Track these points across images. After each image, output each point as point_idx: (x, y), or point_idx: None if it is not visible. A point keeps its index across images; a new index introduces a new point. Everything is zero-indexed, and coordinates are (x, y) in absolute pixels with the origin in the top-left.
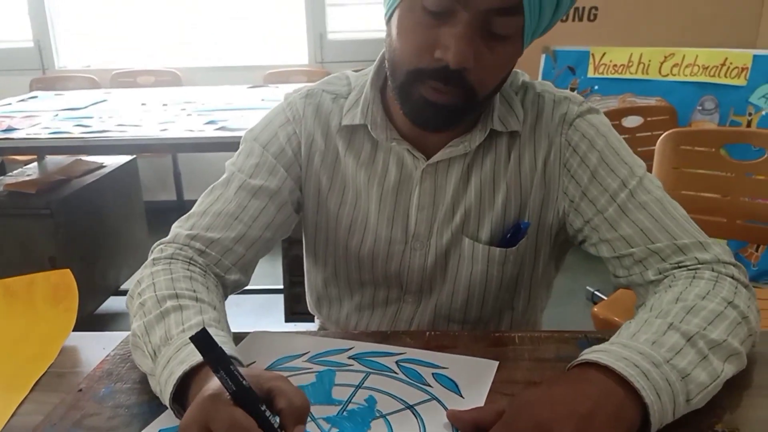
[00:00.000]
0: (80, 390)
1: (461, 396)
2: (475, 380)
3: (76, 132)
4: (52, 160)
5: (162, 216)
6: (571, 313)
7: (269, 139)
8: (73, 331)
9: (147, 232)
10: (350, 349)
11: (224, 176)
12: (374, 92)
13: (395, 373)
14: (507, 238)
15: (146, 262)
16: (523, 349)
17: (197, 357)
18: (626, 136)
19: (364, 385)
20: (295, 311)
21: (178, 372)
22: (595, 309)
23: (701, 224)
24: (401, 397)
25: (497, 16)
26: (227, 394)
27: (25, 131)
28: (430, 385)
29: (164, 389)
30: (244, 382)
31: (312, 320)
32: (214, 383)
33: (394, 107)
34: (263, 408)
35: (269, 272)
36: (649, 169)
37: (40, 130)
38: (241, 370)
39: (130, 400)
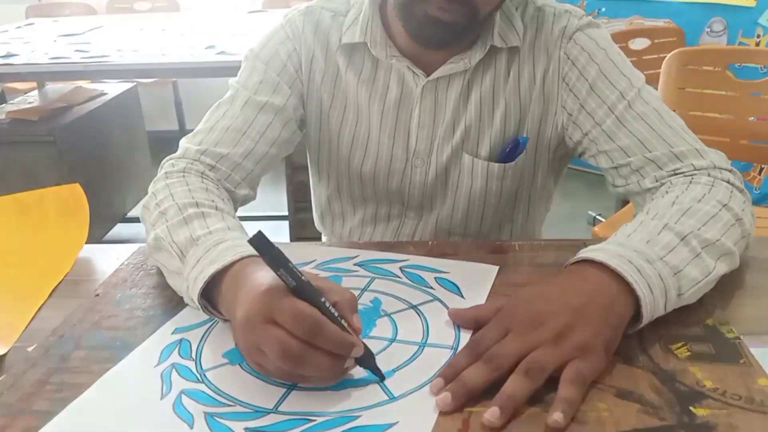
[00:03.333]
0: (97, 295)
1: (462, 297)
2: (475, 283)
3: (76, 57)
4: (52, 87)
5: (165, 145)
6: (573, 236)
7: (270, 57)
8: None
9: (150, 161)
10: (356, 256)
11: (228, 93)
12: (373, 9)
13: (399, 277)
14: (506, 153)
15: (158, 176)
16: (523, 255)
17: (227, 258)
18: (633, 58)
19: (369, 288)
20: (300, 236)
21: (210, 270)
22: (595, 229)
23: (705, 143)
24: (405, 299)
25: None
26: (285, 287)
27: (25, 56)
28: (432, 288)
29: (192, 285)
30: (303, 278)
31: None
32: (264, 279)
33: (394, 24)
34: (323, 299)
35: (274, 199)
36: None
37: (41, 55)
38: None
39: (146, 304)
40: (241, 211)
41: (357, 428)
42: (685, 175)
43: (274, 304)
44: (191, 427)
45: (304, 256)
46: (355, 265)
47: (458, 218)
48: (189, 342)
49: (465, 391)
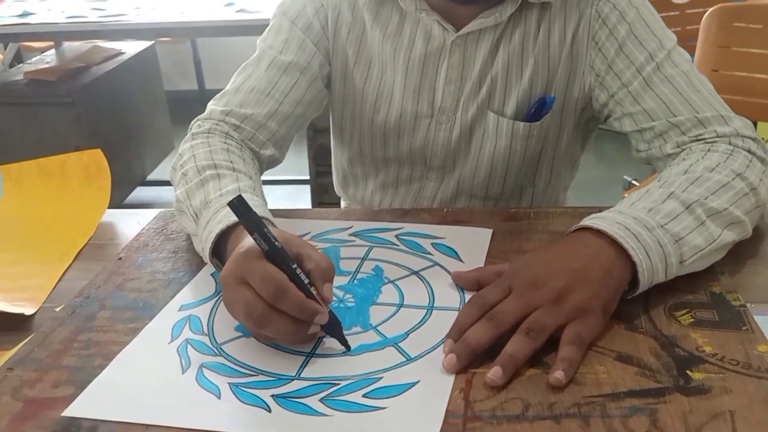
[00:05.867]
0: (120, 258)
1: (461, 261)
2: (472, 246)
3: (93, 16)
4: (69, 46)
5: (184, 105)
6: (607, 202)
7: (297, 14)
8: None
9: (170, 122)
10: (350, 227)
11: (255, 54)
12: None
13: (396, 245)
14: (531, 113)
15: (186, 137)
16: (538, 223)
17: (233, 218)
18: (675, 12)
19: (369, 257)
20: (322, 201)
21: (216, 230)
22: (626, 195)
23: (746, 105)
24: (405, 265)
25: None
26: (260, 251)
27: (41, 15)
28: (430, 253)
29: (205, 246)
30: (276, 243)
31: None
32: (248, 241)
33: None
34: (294, 266)
35: (296, 163)
36: (694, 49)
37: (57, 14)
38: (273, 232)
39: (166, 267)
40: (263, 176)
41: (381, 389)
42: (705, 142)
43: (247, 265)
44: (219, 398)
45: (297, 230)
46: (350, 235)
47: (480, 179)
48: (198, 318)
49: (469, 351)
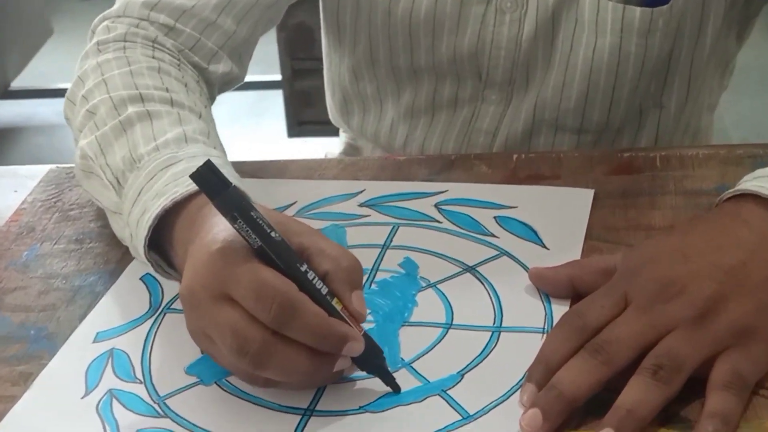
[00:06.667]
0: None
1: (545, 247)
2: (561, 222)
3: None
4: None
5: None
6: None
7: None
8: None
9: None
10: (361, 192)
11: None
12: None
13: (437, 221)
14: None
15: (87, 49)
16: (668, 175)
17: (182, 187)
18: None
19: (393, 243)
20: (303, 119)
21: (156, 209)
22: None
23: None
24: (454, 257)
25: None
26: (247, 247)
27: None
28: (494, 235)
29: (135, 232)
30: (273, 234)
31: (332, 133)
32: (222, 230)
33: None
34: (304, 268)
35: (258, 54)
36: None
37: None
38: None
39: (68, 267)
40: None
41: None
42: None
43: (228, 272)
44: None
45: (280, 198)
46: (361, 206)
47: (571, 102)
48: (126, 355)
49: (563, 404)
